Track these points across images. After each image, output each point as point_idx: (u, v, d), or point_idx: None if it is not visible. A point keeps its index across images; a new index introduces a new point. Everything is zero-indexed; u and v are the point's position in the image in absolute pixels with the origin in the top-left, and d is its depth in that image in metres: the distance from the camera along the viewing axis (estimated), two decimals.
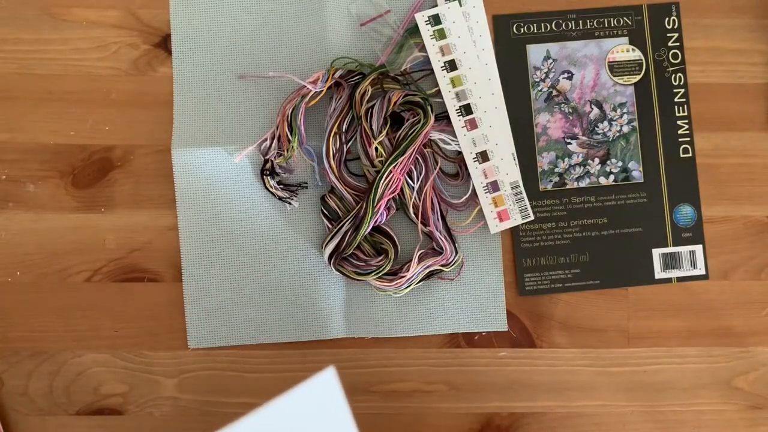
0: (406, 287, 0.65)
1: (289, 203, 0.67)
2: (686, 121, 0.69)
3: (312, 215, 0.67)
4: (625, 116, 0.68)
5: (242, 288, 0.67)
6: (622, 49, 0.69)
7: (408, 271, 0.65)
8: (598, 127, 0.68)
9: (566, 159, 0.68)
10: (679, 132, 0.69)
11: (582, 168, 0.68)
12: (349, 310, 0.67)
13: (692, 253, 0.68)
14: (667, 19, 0.69)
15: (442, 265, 0.66)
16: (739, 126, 0.69)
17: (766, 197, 0.69)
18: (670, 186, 0.68)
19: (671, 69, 0.69)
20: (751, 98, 0.69)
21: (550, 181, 0.68)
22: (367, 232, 0.64)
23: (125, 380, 0.67)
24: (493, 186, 0.67)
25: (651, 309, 0.68)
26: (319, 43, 0.68)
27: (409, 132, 0.64)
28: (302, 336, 0.67)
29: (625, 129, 0.68)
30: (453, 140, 0.67)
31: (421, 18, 0.66)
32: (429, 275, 0.66)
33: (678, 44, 0.69)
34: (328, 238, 0.65)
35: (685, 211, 0.68)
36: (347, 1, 0.68)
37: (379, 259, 0.65)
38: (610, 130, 0.68)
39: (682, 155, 0.68)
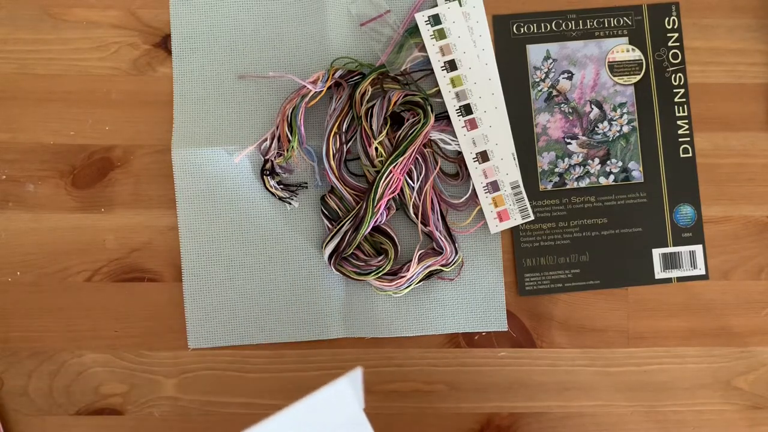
0: (406, 287, 0.65)
1: (289, 203, 0.67)
2: (686, 121, 0.69)
3: (312, 215, 0.67)
4: (625, 116, 0.68)
5: (242, 288, 0.67)
6: (622, 49, 0.69)
7: (408, 271, 0.65)
8: (598, 127, 0.68)
9: (566, 159, 0.68)
10: (679, 132, 0.69)
11: (582, 168, 0.68)
12: (348, 310, 0.67)
13: (692, 253, 0.68)
14: (667, 19, 0.69)
15: (442, 265, 0.66)
16: (739, 126, 0.69)
17: (766, 197, 0.69)
18: (670, 186, 0.68)
19: (671, 69, 0.69)
20: (751, 98, 0.69)
21: (550, 181, 0.68)
22: (367, 232, 0.64)
23: (125, 380, 0.67)
24: (493, 186, 0.67)
25: (651, 309, 0.68)
26: (319, 43, 0.68)
27: (409, 132, 0.64)
28: (302, 336, 0.67)
29: (625, 129, 0.68)
30: (453, 140, 0.67)
31: (421, 18, 0.66)
32: (429, 275, 0.66)
33: (678, 44, 0.69)
34: (328, 238, 0.65)
35: (685, 211, 0.68)
36: (347, 1, 0.68)
37: (379, 259, 0.65)
38: (610, 130, 0.68)
39: (682, 155, 0.68)
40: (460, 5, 0.67)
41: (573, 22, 0.69)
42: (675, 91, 0.69)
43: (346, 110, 0.66)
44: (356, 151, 0.67)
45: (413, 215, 0.66)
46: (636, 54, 0.69)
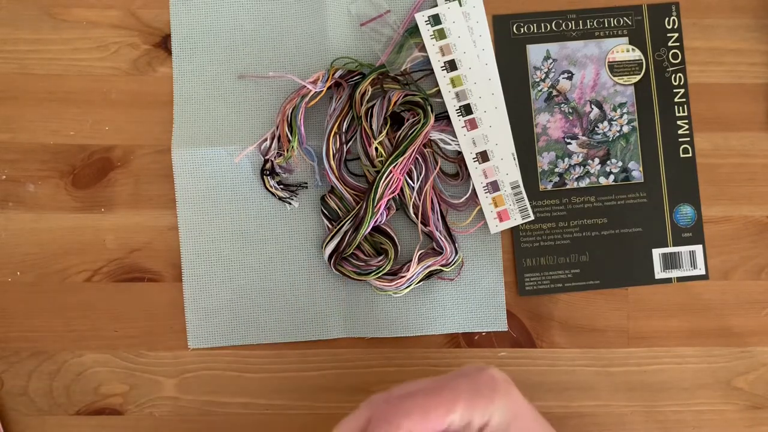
0: (406, 287, 0.65)
1: (289, 203, 0.67)
2: (686, 121, 0.69)
3: (312, 215, 0.67)
4: (625, 116, 0.68)
5: (242, 288, 0.67)
6: (622, 49, 0.69)
7: (408, 271, 0.65)
8: (598, 127, 0.68)
9: (566, 159, 0.68)
10: (679, 132, 0.69)
11: (582, 168, 0.68)
12: (349, 310, 0.67)
13: (692, 253, 0.68)
14: (667, 19, 0.69)
15: (442, 265, 0.66)
16: (739, 126, 0.69)
17: (766, 197, 0.69)
18: (670, 186, 0.68)
19: (671, 69, 0.69)
20: (751, 98, 0.69)
21: (550, 181, 0.68)
22: (367, 232, 0.64)
23: (125, 380, 0.67)
24: (493, 186, 0.67)
25: (651, 309, 0.68)
26: (319, 43, 0.68)
27: (409, 132, 0.64)
28: (302, 336, 0.67)
29: (625, 129, 0.68)
30: (453, 140, 0.67)
31: (421, 18, 0.66)
32: (429, 275, 0.66)
33: (678, 44, 0.69)
34: (328, 238, 0.65)
35: (685, 211, 0.68)
36: (347, 1, 0.68)
37: (379, 259, 0.65)
38: (610, 130, 0.68)
39: (682, 155, 0.68)
40: (460, 5, 0.67)
41: (573, 22, 0.69)
42: (675, 91, 0.69)
43: (346, 110, 0.66)
44: (356, 151, 0.67)
45: (413, 215, 0.66)
46: (636, 54, 0.69)
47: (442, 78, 0.66)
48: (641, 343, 0.68)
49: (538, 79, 0.68)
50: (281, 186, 0.67)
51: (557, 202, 0.68)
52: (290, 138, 0.65)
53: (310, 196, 0.68)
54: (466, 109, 0.67)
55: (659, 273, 0.68)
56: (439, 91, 0.67)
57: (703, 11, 0.69)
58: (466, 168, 0.67)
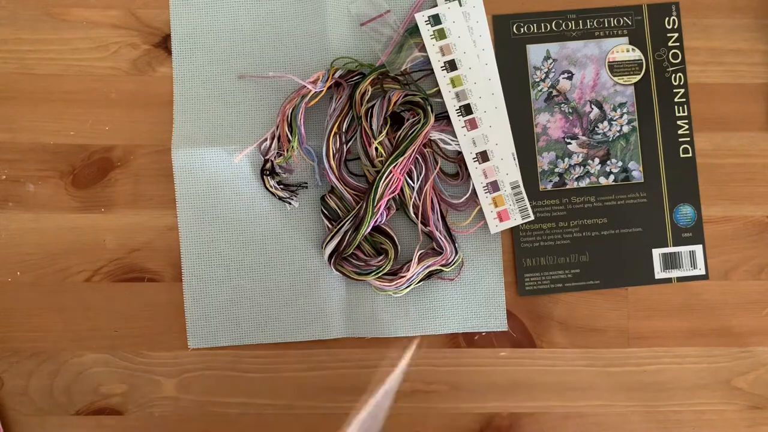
0: (406, 287, 0.65)
1: (289, 203, 0.67)
2: (686, 121, 0.69)
3: (312, 215, 0.67)
4: (625, 116, 0.68)
5: (242, 288, 0.67)
6: (622, 49, 0.69)
7: (408, 271, 0.65)
8: (598, 127, 0.68)
9: (566, 159, 0.68)
10: (679, 132, 0.69)
11: (582, 168, 0.68)
12: (349, 310, 0.67)
13: (692, 253, 0.68)
14: (667, 19, 0.69)
15: (442, 265, 0.66)
16: (739, 126, 0.69)
17: (766, 197, 0.69)
18: (670, 186, 0.68)
19: (671, 69, 0.69)
20: (751, 98, 0.69)
21: (550, 181, 0.68)
22: (367, 232, 0.64)
23: (125, 380, 0.67)
24: (493, 186, 0.67)
25: (651, 309, 0.68)
26: (319, 43, 0.68)
27: (409, 132, 0.64)
28: (302, 336, 0.67)
29: (625, 129, 0.68)
30: (453, 140, 0.67)
31: (421, 18, 0.66)
32: (429, 275, 0.66)
33: (678, 44, 0.69)
34: (328, 238, 0.65)
35: (685, 211, 0.68)
36: (347, 1, 0.68)
37: (379, 259, 0.65)
38: (610, 130, 0.68)
39: (682, 155, 0.68)
40: (460, 5, 0.67)
41: (573, 22, 0.69)
42: (675, 91, 0.69)
43: (346, 110, 0.66)
44: (356, 151, 0.67)
45: (413, 215, 0.66)
46: (636, 54, 0.69)
47: (442, 78, 0.66)
48: (641, 343, 0.68)
49: (538, 79, 0.68)
50: (281, 186, 0.67)
51: (557, 202, 0.68)
52: (290, 138, 0.65)
53: (310, 196, 0.68)
54: (466, 109, 0.67)
55: (659, 273, 0.68)
56: (439, 91, 0.67)
57: (703, 11, 0.69)
58: (466, 168, 0.67)
